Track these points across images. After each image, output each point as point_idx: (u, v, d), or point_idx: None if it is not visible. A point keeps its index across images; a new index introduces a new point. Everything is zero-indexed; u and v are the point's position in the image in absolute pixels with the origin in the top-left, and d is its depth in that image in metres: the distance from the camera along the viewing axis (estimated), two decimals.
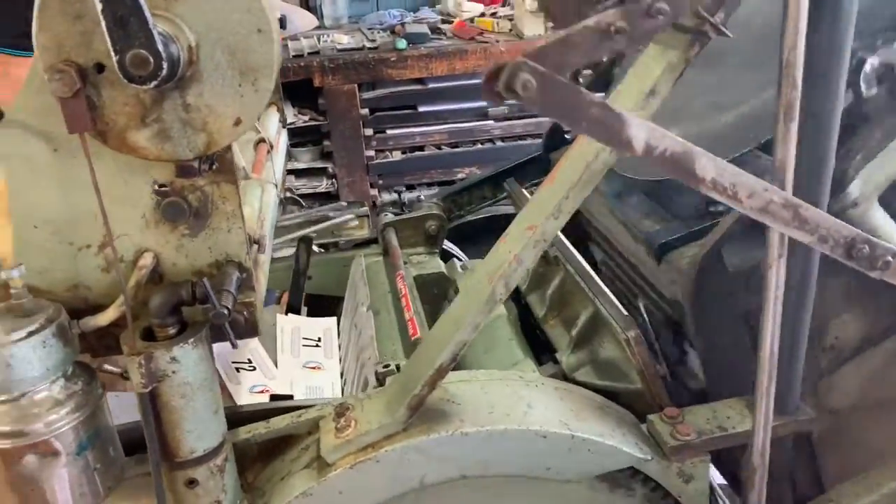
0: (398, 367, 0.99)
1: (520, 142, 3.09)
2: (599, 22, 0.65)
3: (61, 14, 0.64)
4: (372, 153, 2.94)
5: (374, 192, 2.98)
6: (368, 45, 2.88)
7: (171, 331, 0.76)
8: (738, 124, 1.08)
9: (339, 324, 1.50)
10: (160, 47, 0.60)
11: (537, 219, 0.78)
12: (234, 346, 0.76)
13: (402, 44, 2.83)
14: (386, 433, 0.83)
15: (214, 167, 0.75)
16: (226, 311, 0.73)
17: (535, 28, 2.91)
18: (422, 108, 2.99)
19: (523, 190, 1.50)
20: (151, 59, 0.60)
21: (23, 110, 0.74)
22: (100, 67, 0.66)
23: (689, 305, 0.97)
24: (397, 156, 3.01)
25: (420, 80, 2.95)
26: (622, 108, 0.74)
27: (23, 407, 0.75)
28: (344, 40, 2.93)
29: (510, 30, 3.02)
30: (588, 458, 0.88)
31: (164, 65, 0.60)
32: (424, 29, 3.03)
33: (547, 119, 3.00)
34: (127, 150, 0.69)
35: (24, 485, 0.76)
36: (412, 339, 1.23)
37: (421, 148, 3.03)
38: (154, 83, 0.61)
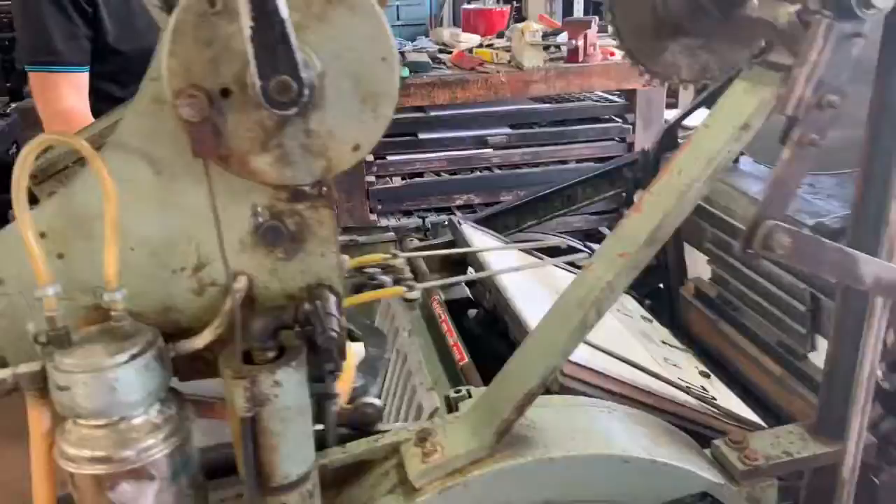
0: (469, 393, 0.99)
1: (517, 170, 3.13)
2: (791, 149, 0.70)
3: (193, 40, 0.64)
4: (372, 178, 2.95)
5: (373, 216, 2.99)
6: None
7: (270, 354, 0.76)
8: None
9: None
10: (303, 74, 0.60)
11: (631, 246, 0.80)
12: (338, 369, 0.76)
13: (405, 72, 2.86)
14: (473, 458, 0.84)
15: (324, 192, 0.76)
16: (334, 334, 0.73)
17: (533, 59, 2.97)
18: (422, 136, 3.02)
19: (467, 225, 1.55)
20: (295, 85, 0.60)
21: (127, 133, 0.74)
22: (224, 92, 0.66)
23: None
24: (397, 181, 3.03)
25: (421, 108, 2.99)
26: (715, 141, 0.77)
27: (121, 431, 0.74)
28: None
29: (509, 61, 3.07)
30: (666, 482, 0.89)
31: (306, 91, 0.61)
32: (425, 58, 3.06)
33: (543, 146, 3.05)
34: (247, 175, 0.70)
35: None
36: (459, 364, 1.24)
37: (420, 174, 3.06)
38: (295, 108, 0.62)
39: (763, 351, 1.44)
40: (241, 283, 0.79)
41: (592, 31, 2.98)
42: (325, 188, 0.74)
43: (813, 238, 0.77)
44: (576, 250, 1.71)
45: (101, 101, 1.73)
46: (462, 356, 1.24)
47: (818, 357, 1.32)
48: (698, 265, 1.74)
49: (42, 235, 0.75)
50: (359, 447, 0.91)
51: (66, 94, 1.68)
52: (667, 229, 0.79)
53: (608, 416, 0.93)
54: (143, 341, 0.74)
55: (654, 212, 0.80)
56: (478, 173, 3.11)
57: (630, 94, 3.10)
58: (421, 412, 1.13)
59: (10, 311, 0.77)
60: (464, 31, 3.60)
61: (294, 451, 0.78)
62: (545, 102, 3.20)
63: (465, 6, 3.86)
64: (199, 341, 0.78)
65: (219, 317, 0.79)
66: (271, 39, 0.59)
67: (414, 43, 3.44)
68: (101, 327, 0.76)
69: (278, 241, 0.78)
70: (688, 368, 1.46)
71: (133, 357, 0.73)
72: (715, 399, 1.28)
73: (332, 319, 0.75)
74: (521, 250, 1.63)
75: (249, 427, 0.75)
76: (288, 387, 0.75)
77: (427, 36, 3.66)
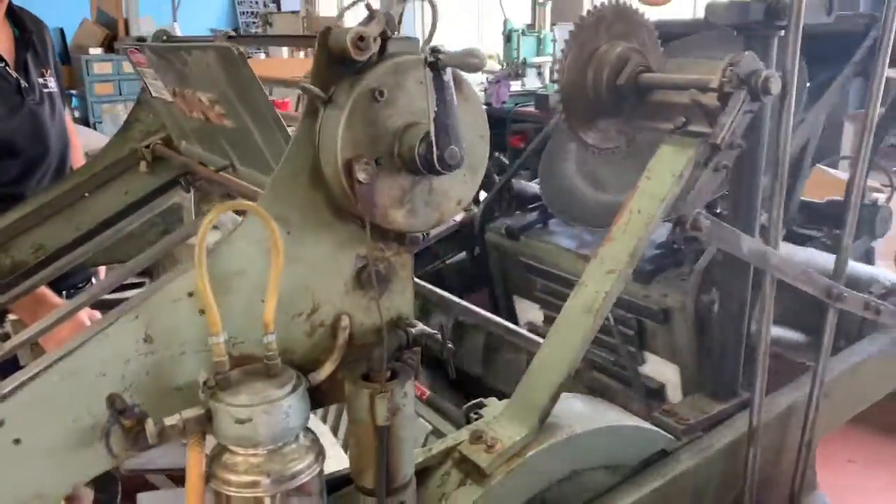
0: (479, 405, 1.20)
1: None
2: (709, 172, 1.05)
3: (362, 119, 0.83)
4: None
5: None
6: None
7: (388, 374, 0.93)
8: None
9: None
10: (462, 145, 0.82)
11: (617, 265, 1.10)
12: (453, 375, 0.94)
13: None
14: (526, 442, 1.06)
15: (409, 240, 0.95)
16: (451, 347, 0.92)
17: None
18: None
19: None
20: (459, 154, 0.82)
21: (267, 202, 0.88)
22: (377, 161, 0.85)
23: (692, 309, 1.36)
24: None
25: None
26: (661, 187, 1.11)
27: (285, 455, 0.85)
28: None
29: None
30: (642, 443, 1.19)
31: (464, 158, 0.83)
32: None
33: None
34: (386, 224, 0.88)
35: None
36: None
37: None
38: (455, 171, 0.83)
39: (601, 372, 1.80)
40: (345, 322, 0.95)
41: None
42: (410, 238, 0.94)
43: (719, 223, 1.13)
44: None
45: None
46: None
47: (648, 367, 1.70)
48: (529, 312, 2.10)
49: (189, 295, 0.85)
50: (420, 456, 1.07)
51: None
52: (639, 251, 1.11)
53: (593, 403, 1.21)
54: (293, 375, 0.87)
55: (628, 239, 1.12)
56: None
57: None
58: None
59: (155, 369, 0.85)
60: None
61: (409, 453, 0.95)
62: None
63: None
64: (323, 374, 0.92)
65: (335, 352, 0.93)
66: (449, 120, 0.80)
67: None
68: (243, 370, 0.87)
69: (371, 284, 0.96)
70: None
71: (294, 388, 0.85)
72: None
73: (436, 338, 0.94)
74: None
75: (386, 434, 0.90)
76: (410, 396, 0.92)
77: None
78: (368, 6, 0.84)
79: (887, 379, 1.62)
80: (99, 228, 1.51)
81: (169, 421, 0.82)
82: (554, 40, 4.90)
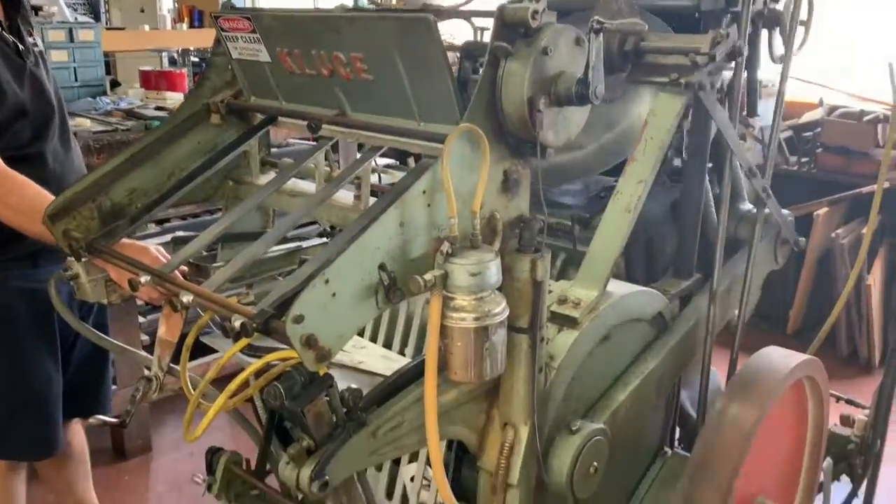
0: None
1: None
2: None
3: (537, 68, 1.23)
4: None
5: None
6: (121, 127, 3.04)
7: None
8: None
9: None
10: None
11: (643, 175, 1.58)
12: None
13: (156, 123, 3.07)
14: (598, 301, 1.51)
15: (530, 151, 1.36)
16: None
17: None
18: None
19: None
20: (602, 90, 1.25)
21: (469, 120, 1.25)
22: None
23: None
24: None
25: None
26: (661, 123, 1.61)
27: (492, 299, 1.24)
28: (87, 123, 3.02)
29: None
30: (655, 303, 1.69)
31: None
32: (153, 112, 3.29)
33: None
34: (543, 142, 1.29)
35: (488, 349, 1.24)
36: None
37: None
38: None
39: None
40: (498, 216, 1.34)
41: None
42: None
43: None
44: None
45: None
46: None
47: None
48: None
49: (423, 192, 1.21)
50: None
51: None
52: (656, 167, 1.60)
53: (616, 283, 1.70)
54: (489, 246, 1.26)
55: (647, 158, 1.60)
56: None
57: None
58: None
59: (404, 245, 1.20)
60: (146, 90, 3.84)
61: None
62: None
63: (142, 68, 4.06)
64: (496, 247, 1.31)
65: (498, 235, 1.32)
66: (596, 69, 1.23)
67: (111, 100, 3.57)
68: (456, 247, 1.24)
69: (510, 188, 1.36)
70: None
71: (496, 254, 1.24)
72: None
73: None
74: None
75: (540, 288, 1.31)
76: (548, 263, 1.34)
77: (106, 95, 3.76)
78: None
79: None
80: (179, 173, 1.74)
81: (427, 276, 1.18)
82: None
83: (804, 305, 4.30)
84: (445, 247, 1.20)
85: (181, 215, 3.15)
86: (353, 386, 1.20)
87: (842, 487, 2.77)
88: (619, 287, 1.61)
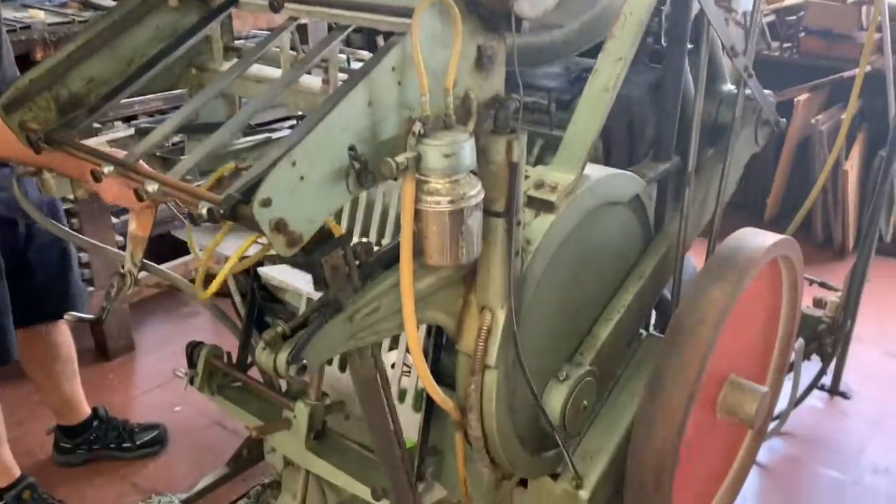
0: None
1: None
2: None
3: None
4: None
5: None
6: (78, 18, 2.88)
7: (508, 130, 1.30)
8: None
9: None
10: None
11: (622, 53, 1.53)
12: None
13: None
14: (575, 185, 1.49)
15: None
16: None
17: None
18: None
19: None
20: None
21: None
22: None
23: None
24: None
25: None
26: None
27: (467, 182, 1.21)
28: (41, 15, 2.86)
29: None
30: (630, 185, 1.67)
31: None
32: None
33: None
34: (519, 12, 1.23)
35: (463, 233, 1.22)
36: None
37: None
38: None
39: None
40: (472, 95, 1.29)
41: None
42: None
43: None
44: None
45: None
46: None
47: None
48: None
49: (392, 69, 1.15)
50: None
51: None
52: (636, 44, 1.54)
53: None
54: (463, 126, 1.21)
55: (626, 34, 1.54)
56: None
57: None
58: None
59: (374, 126, 1.15)
60: None
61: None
62: None
63: None
64: (470, 128, 1.27)
65: (472, 115, 1.28)
66: None
67: None
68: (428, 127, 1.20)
69: (484, 65, 1.30)
70: None
71: (470, 134, 1.20)
72: None
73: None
74: None
75: (516, 169, 1.28)
76: (524, 145, 1.31)
77: None
78: None
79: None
80: (139, 60, 1.66)
81: (399, 159, 1.14)
82: None
83: (782, 193, 4.32)
84: (417, 127, 1.16)
85: (148, 111, 3.05)
86: (365, 240, 1.21)
87: (811, 367, 2.87)
88: (596, 170, 1.58)
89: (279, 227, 1.07)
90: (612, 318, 1.72)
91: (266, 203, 1.04)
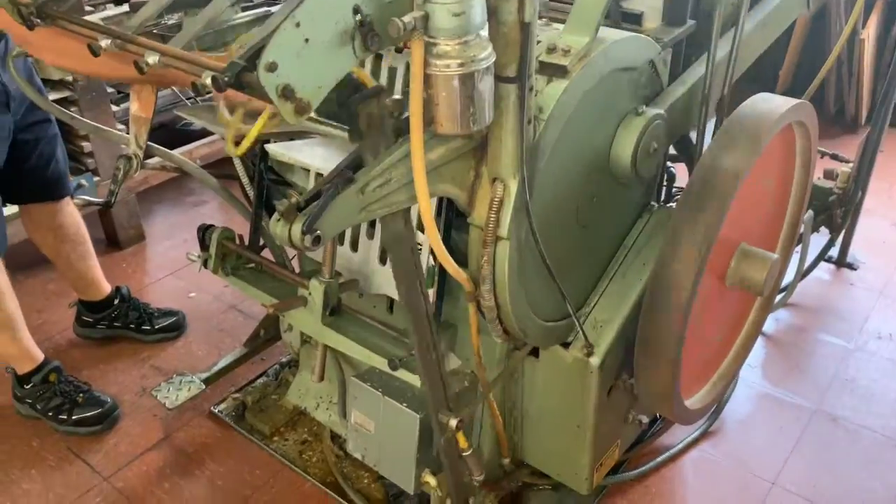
0: None
1: None
2: None
3: None
4: None
5: None
6: None
7: None
8: None
9: None
10: None
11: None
12: None
13: None
14: (589, 48, 1.44)
15: None
16: None
17: None
18: None
19: None
20: None
21: None
22: None
23: None
24: None
25: None
26: None
27: (478, 44, 1.16)
28: None
29: None
30: (646, 49, 1.61)
31: None
32: None
33: None
34: None
35: (475, 98, 1.19)
36: None
37: None
38: None
39: None
40: None
41: None
42: None
43: None
44: None
45: None
46: None
47: None
48: None
49: None
50: None
51: None
52: None
53: None
54: None
55: None
56: None
57: None
58: None
59: None
60: None
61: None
62: None
63: None
64: None
65: None
66: None
67: None
68: None
69: None
70: None
71: None
72: None
73: None
74: None
75: (529, 30, 1.24)
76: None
77: None
78: None
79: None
80: None
81: (406, 18, 1.10)
82: None
83: (795, 65, 4.19)
84: None
85: None
86: (397, 97, 1.21)
87: (819, 239, 2.87)
88: (610, 33, 1.53)
89: (286, 93, 1.04)
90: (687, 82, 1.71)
91: (271, 67, 1.01)
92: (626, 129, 1.59)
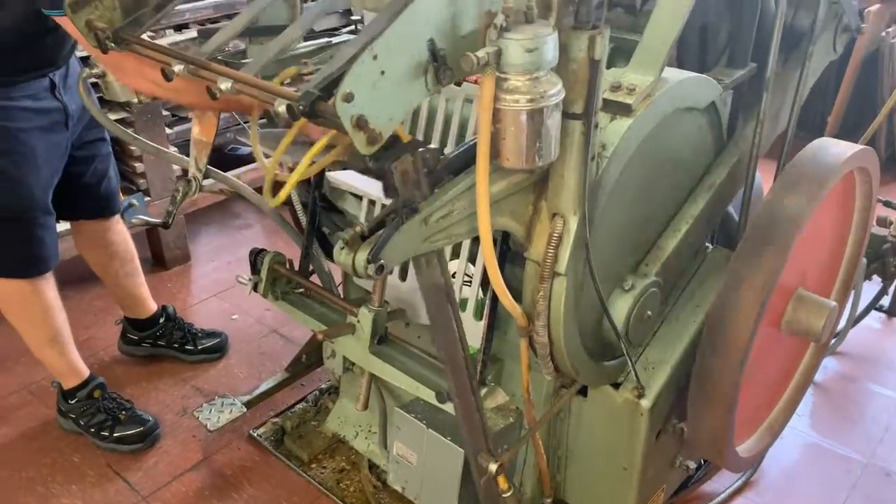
0: None
1: None
2: None
3: None
4: None
5: None
6: None
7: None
8: None
9: None
10: None
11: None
12: None
13: None
14: (653, 87, 1.44)
15: None
16: None
17: None
18: None
19: None
20: None
21: None
22: None
23: None
24: None
25: None
26: None
27: (547, 80, 1.16)
28: None
29: None
30: (708, 90, 1.61)
31: None
32: None
33: None
34: None
35: (542, 134, 1.19)
36: None
37: None
38: None
39: None
40: None
41: None
42: None
43: None
44: None
45: None
46: None
47: None
48: None
49: None
50: None
51: None
52: None
53: None
54: (544, 21, 1.16)
55: None
56: None
57: None
58: None
59: (452, 19, 1.11)
60: None
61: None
62: None
63: None
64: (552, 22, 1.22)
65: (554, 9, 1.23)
66: None
67: None
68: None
69: None
70: None
71: (553, 28, 1.15)
72: None
73: None
74: None
75: (597, 68, 1.24)
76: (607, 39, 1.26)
77: None
78: None
79: None
80: None
81: (480, 53, 1.10)
82: None
83: (844, 110, 4.14)
84: (500, 19, 1.11)
85: (199, 20, 3.01)
86: (433, 146, 1.18)
87: (871, 287, 2.81)
88: (674, 74, 1.52)
89: (360, 123, 1.05)
90: (679, 229, 1.69)
91: (348, 98, 1.02)
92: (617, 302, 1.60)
